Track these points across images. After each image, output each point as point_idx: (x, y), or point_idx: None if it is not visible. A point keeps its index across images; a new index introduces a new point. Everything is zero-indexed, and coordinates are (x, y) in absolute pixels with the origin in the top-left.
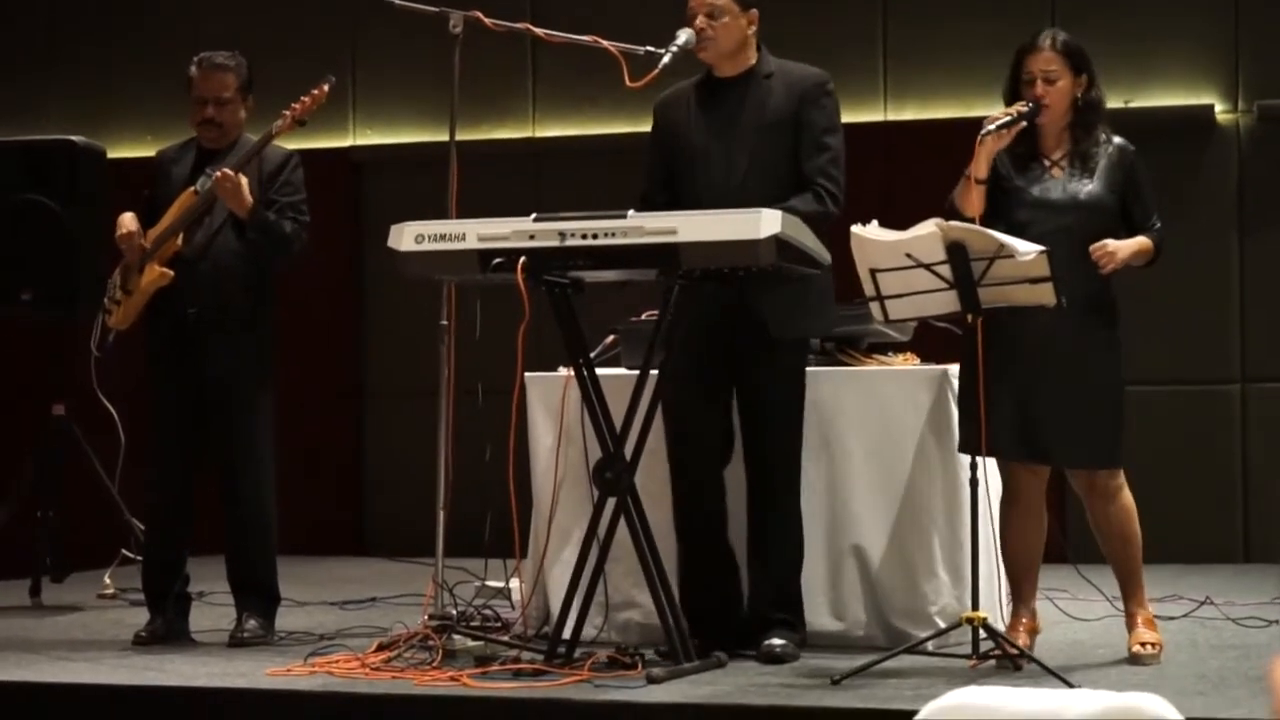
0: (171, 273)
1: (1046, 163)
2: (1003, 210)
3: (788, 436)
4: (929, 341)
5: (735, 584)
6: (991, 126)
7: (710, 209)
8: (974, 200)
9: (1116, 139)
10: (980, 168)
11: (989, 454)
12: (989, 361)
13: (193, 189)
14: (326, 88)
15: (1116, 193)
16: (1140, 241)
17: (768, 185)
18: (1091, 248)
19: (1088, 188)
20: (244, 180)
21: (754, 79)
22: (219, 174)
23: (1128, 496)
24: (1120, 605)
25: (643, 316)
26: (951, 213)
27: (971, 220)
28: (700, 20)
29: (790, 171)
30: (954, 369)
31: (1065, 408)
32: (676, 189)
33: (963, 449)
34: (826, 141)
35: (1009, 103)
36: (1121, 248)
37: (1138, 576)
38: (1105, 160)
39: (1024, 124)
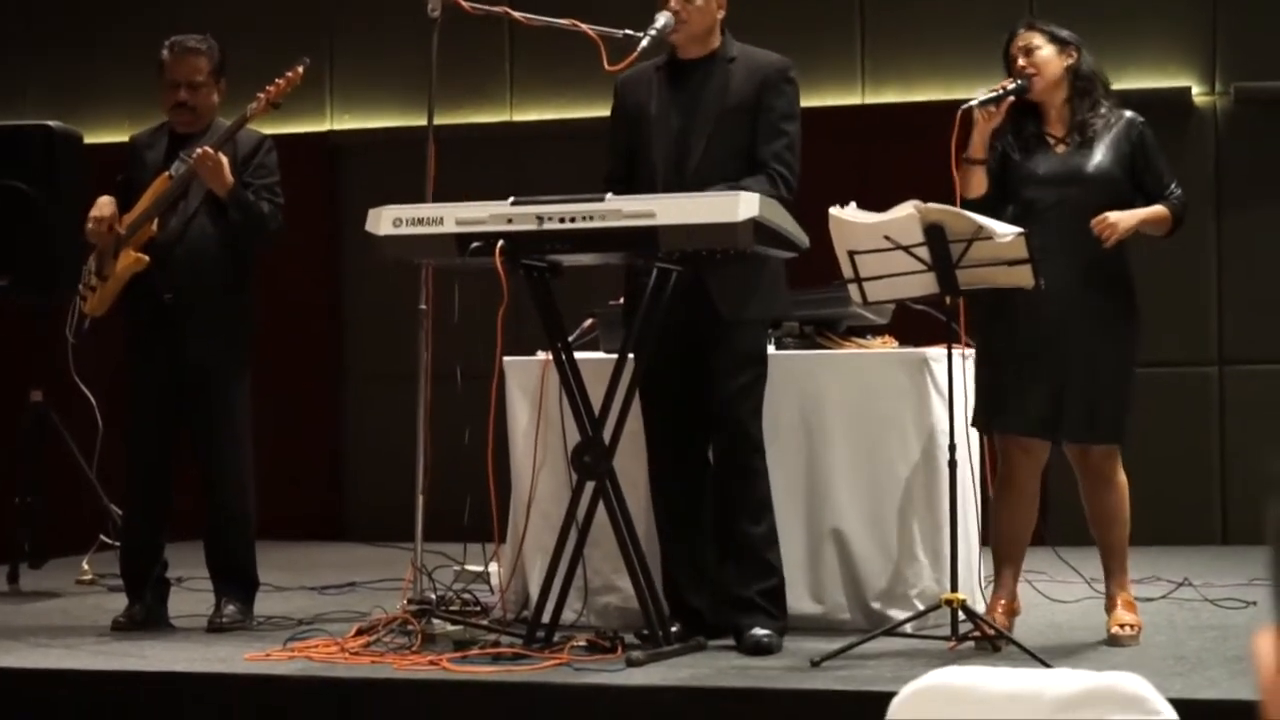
0: (147, 258)
1: (1050, 140)
2: (1011, 191)
3: (748, 417)
4: (908, 324)
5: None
6: (976, 100)
7: (667, 190)
8: (973, 181)
9: (1127, 112)
10: (976, 148)
11: (991, 430)
12: (999, 337)
13: (167, 173)
14: (301, 69)
15: (1124, 165)
16: (1151, 210)
17: (725, 168)
18: (1093, 221)
19: (1094, 160)
20: (224, 158)
21: (717, 62)
22: (200, 152)
23: (1123, 478)
24: (1098, 588)
25: (621, 300)
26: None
27: (973, 203)
28: (674, 3)
29: (745, 157)
30: (932, 351)
31: (1073, 381)
32: (635, 167)
33: (975, 426)
34: (784, 128)
35: None
36: (1124, 218)
37: (1123, 559)
38: (1111, 132)
39: (1012, 99)
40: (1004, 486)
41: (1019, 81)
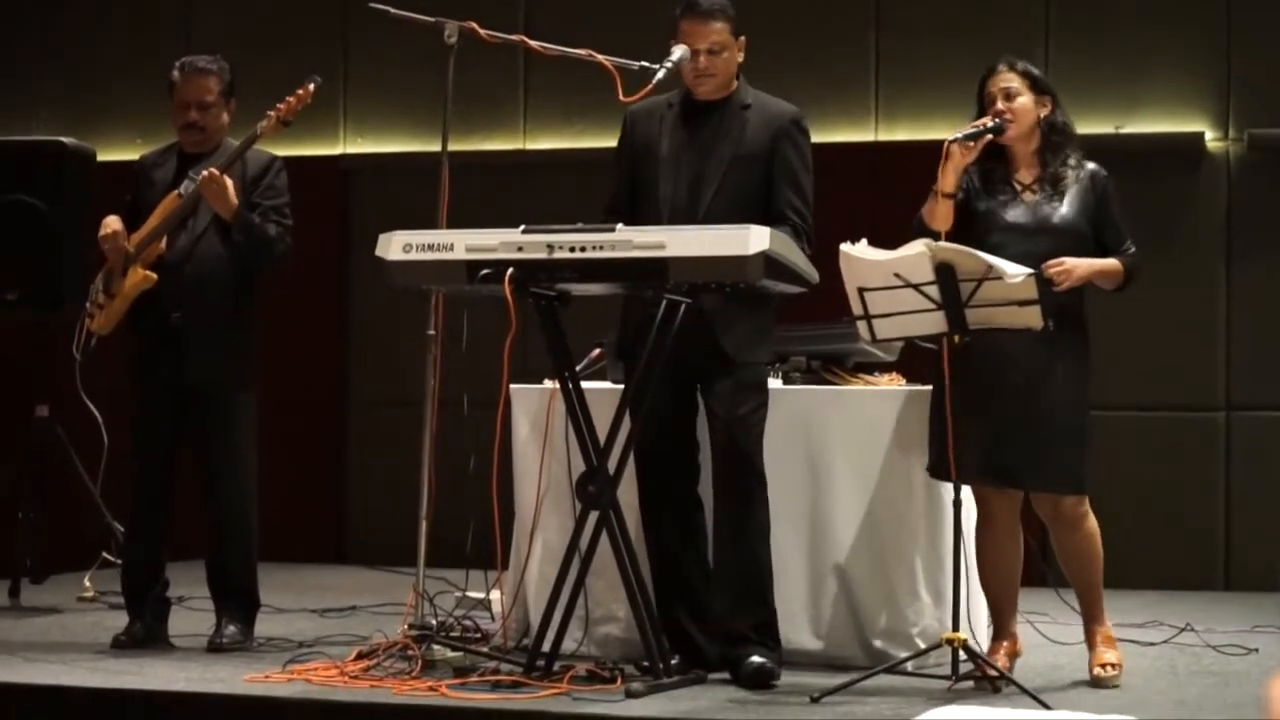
0: (155, 276)
1: (1018, 187)
2: (974, 233)
3: (751, 444)
4: (915, 362)
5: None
6: (959, 135)
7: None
8: (941, 214)
9: (1090, 164)
10: (948, 181)
11: (956, 480)
12: (954, 384)
13: (176, 192)
14: (312, 87)
15: (1088, 217)
16: (1105, 262)
17: (734, 215)
18: (1046, 264)
19: (1060, 212)
20: (229, 181)
21: (731, 107)
22: (205, 174)
23: (1093, 521)
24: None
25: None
26: (920, 229)
27: (938, 235)
28: (704, 60)
29: (754, 204)
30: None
31: (1031, 431)
32: (638, 203)
33: (931, 473)
34: (800, 180)
35: None
36: (1079, 265)
37: (1098, 594)
38: (1077, 185)
39: (989, 137)
40: (985, 528)
41: (996, 121)
